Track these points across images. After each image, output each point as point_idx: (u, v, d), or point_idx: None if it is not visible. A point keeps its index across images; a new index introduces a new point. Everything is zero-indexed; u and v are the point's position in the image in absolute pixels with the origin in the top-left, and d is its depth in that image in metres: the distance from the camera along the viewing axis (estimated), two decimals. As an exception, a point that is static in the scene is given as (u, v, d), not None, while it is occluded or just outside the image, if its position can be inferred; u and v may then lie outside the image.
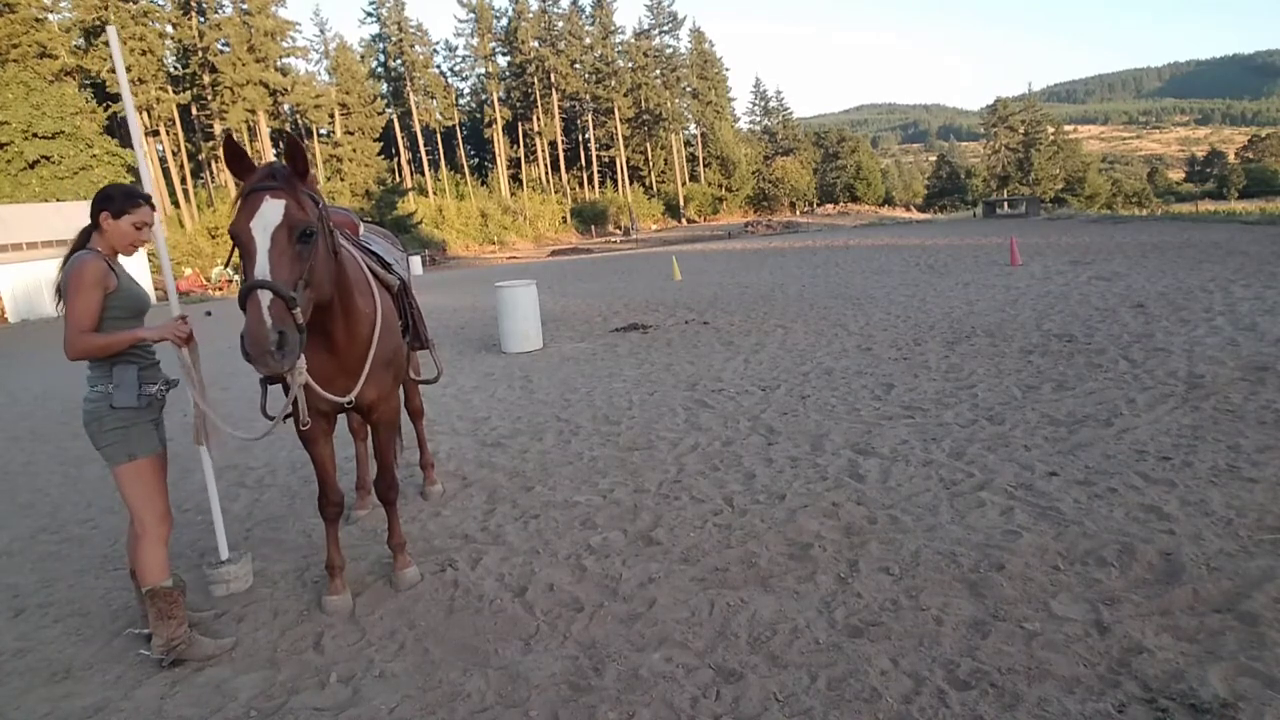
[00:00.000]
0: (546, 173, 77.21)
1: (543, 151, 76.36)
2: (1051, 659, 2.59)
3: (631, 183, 79.66)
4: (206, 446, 3.49)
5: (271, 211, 2.61)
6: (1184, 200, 68.02)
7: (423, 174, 71.59)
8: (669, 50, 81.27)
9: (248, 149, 2.72)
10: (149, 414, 3.04)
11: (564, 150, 78.76)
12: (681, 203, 78.69)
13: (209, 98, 54.07)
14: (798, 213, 77.16)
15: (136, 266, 32.84)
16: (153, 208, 3.09)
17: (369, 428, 3.77)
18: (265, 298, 2.48)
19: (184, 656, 3.06)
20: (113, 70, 46.79)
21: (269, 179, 2.68)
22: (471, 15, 73.56)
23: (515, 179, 74.42)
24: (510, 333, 10.47)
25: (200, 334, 3.35)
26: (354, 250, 3.45)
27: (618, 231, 67.69)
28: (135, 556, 3.06)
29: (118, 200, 2.97)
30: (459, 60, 76.99)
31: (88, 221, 3.02)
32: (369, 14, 70.33)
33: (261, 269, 2.53)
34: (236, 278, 32.95)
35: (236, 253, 2.70)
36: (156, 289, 31.18)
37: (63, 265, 2.97)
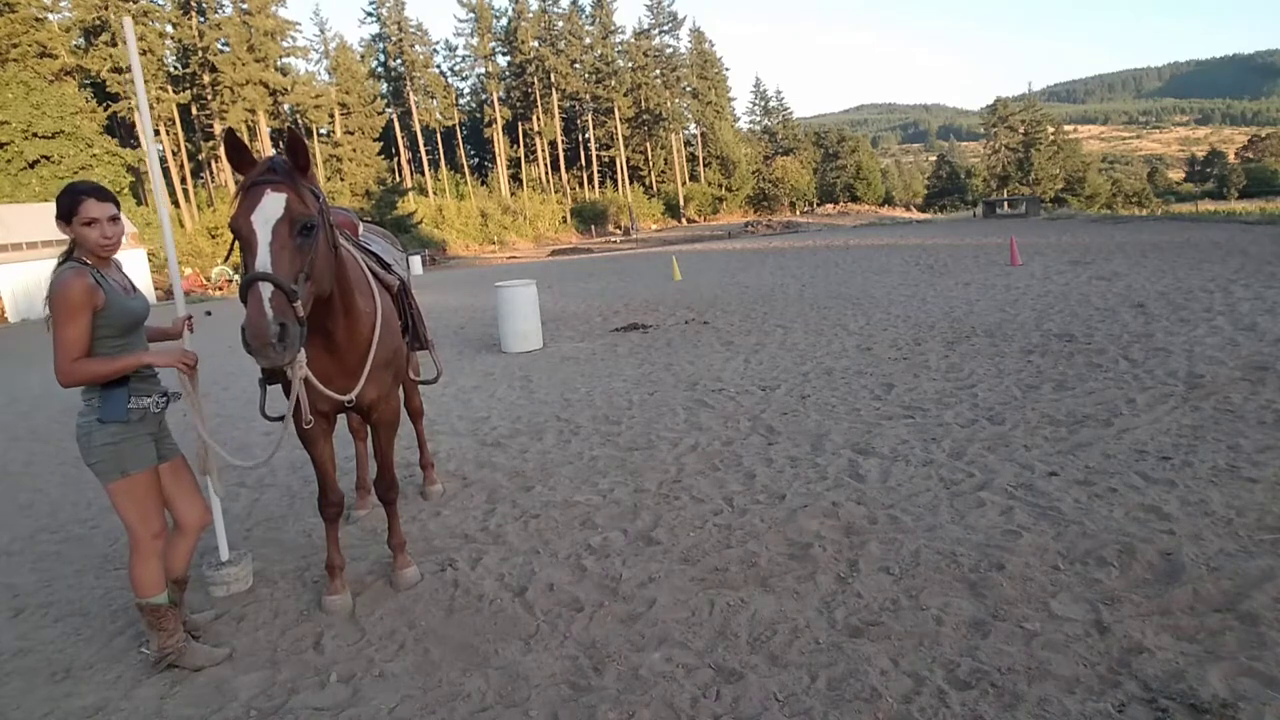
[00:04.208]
0: (546, 173, 77.20)
1: (543, 151, 76.36)
2: (1051, 659, 2.59)
3: (631, 182, 79.66)
4: (210, 477, 3.37)
5: (272, 205, 2.61)
6: (1184, 200, 67.95)
7: (423, 174, 71.60)
8: (669, 50, 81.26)
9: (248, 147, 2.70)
10: (143, 428, 2.92)
11: (564, 150, 78.75)
12: (681, 202, 78.69)
13: (209, 97, 54.06)
14: (798, 213, 77.15)
15: (135, 268, 32.88)
16: (101, 198, 2.83)
17: (369, 428, 3.77)
18: (266, 290, 2.48)
19: (176, 664, 3.05)
20: (114, 69, 46.97)
21: (270, 172, 2.67)
22: (471, 15, 73.57)
23: (515, 179, 74.42)
24: (510, 333, 10.47)
25: (201, 334, 3.33)
26: (354, 250, 3.45)
27: (618, 231, 67.69)
28: (130, 569, 2.99)
29: (62, 204, 2.77)
30: (459, 60, 77.06)
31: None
32: (369, 14, 70.35)
33: (263, 262, 2.53)
34: (236, 277, 32.93)
35: (237, 249, 2.70)
36: (158, 289, 31.22)
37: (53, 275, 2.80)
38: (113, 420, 2.82)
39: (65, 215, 2.78)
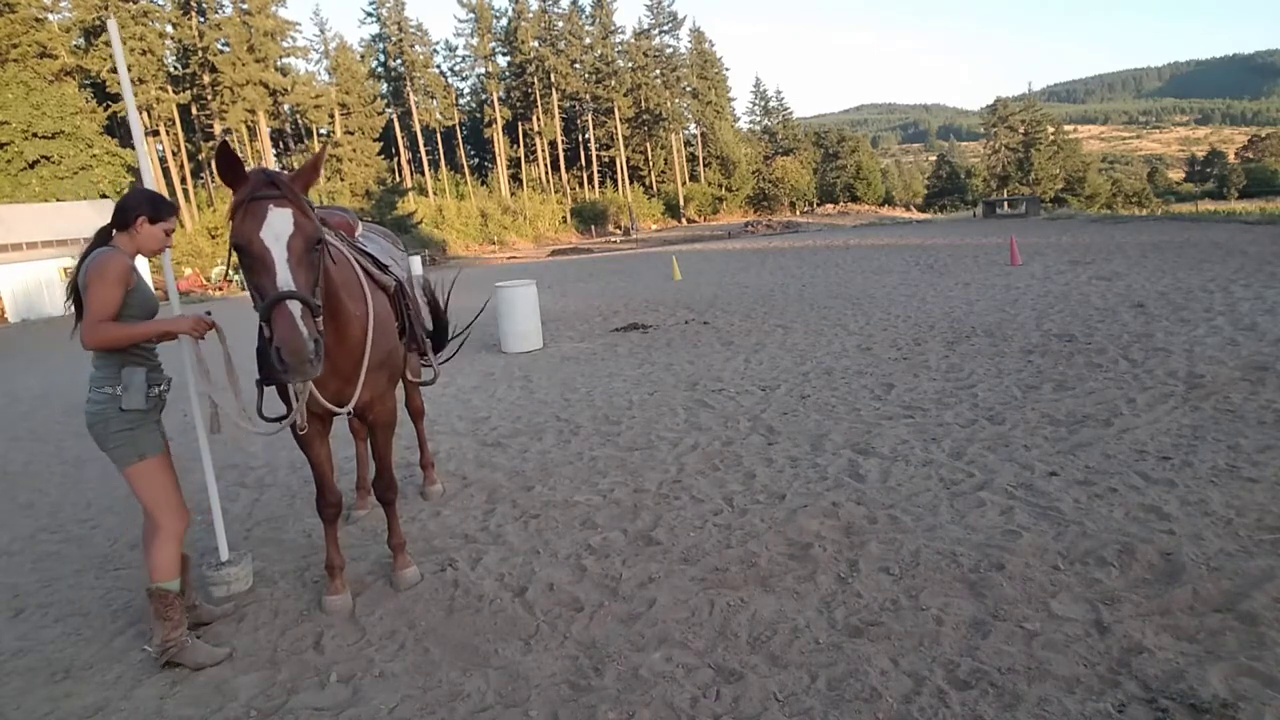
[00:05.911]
0: (546, 173, 77.17)
1: (543, 151, 76.33)
2: (1051, 659, 2.59)
3: (631, 183, 79.62)
4: (220, 432, 3.39)
5: (280, 221, 2.60)
6: (1184, 200, 67.88)
7: (423, 174, 71.54)
8: (669, 50, 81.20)
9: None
10: (154, 414, 3.09)
11: (564, 150, 78.70)
12: (681, 203, 78.65)
13: (209, 98, 54.01)
14: (798, 213, 77.11)
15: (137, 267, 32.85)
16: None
17: (367, 428, 3.76)
18: (296, 308, 2.49)
19: (177, 660, 3.06)
20: (113, 70, 46.92)
21: (269, 187, 2.64)
22: (471, 15, 73.52)
23: (515, 179, 74.37)
24: (510, 333, 10.48)
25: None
26: (345, 250, 3.42)
27: (618, 231, 67.67)
28: (147, 553, 3.08)
29: (157, 206, 3.07)
30: (459, 60, 76.98)
31: (103, 222, 3.10)
32: (369, 14, 70.27)
33: (284, 280, 2.53)
34: (237, 278, 32.91)
35: (234, 257, 2.69)
36: (156, 288, 31.20)
37: (80, 262, 3.00)
38: (134, 408, 2.96)
39: (156, 217, 3.05)
